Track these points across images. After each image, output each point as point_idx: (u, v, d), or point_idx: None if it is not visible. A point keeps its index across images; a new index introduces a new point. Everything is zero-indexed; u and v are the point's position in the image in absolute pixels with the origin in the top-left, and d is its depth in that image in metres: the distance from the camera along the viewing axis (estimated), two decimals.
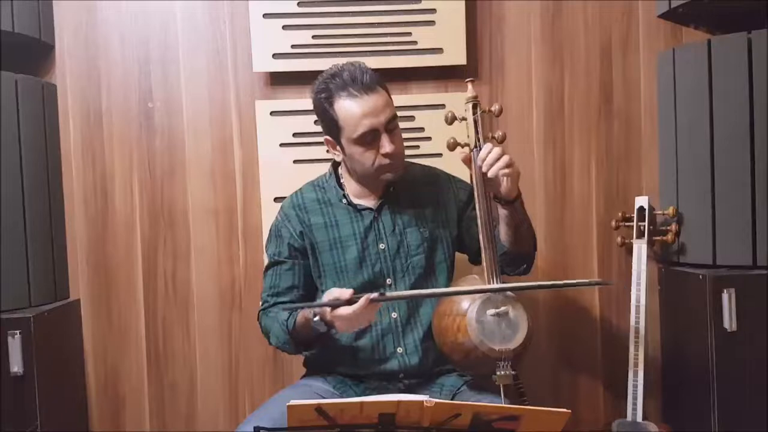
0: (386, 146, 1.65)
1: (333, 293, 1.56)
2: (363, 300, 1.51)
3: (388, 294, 1.61)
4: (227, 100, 2.24)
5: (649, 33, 2.26)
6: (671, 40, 2.25)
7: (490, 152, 1.58)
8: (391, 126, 1.67)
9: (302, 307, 1.66)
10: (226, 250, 2.25)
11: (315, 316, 1.58)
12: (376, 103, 1.64)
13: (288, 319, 1.68)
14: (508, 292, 1.58)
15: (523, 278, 1.81)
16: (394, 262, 1.75)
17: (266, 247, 1.85)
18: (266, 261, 1.84)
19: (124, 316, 2.25)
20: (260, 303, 1.81)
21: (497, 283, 1.59)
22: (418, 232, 1.76)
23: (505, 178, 1.57)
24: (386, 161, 1.67)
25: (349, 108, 1.65)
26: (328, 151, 1.78)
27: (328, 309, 1.55)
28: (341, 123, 1.67)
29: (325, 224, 1.77)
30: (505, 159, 1.57)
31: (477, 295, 1.57)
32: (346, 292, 1.53)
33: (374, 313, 1.57)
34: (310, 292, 1.79)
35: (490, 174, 1.57)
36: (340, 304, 1.53)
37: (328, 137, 1.74)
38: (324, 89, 1.68)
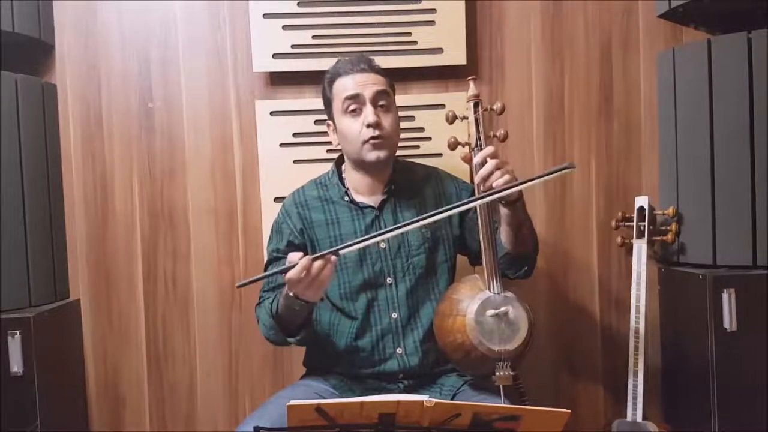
0: (369, 116, 1.68)
1: (288, 258, 1.53)
2: (302, 261, 1.48)
3: (338, 248, 1.53)
4: (227, 100, 2.24)
5: (649, 33, 2.26)
6: (671, 40, 2.25)
7: (484, 163, 1.57)
8: (380, 102, 1.71)
9: (257, 279, 1.58)
10: (226, 250, 2.25)
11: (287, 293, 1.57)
12: (366, 78, 1.72)
13: (272, 303, 1.68)
14: (508, 294, 1.58)
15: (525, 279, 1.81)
16: (395, 261, 1.75)
17: (267, 243, 1.85)
18: (266, 258, 1.85)
19: (124, 316, 2.25)
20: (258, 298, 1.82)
21: (498, 285, 1.58)
22: (419, 231, 1.76)
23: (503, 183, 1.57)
24: (370, 132, 1.68)
25: (342, 82, 1.73)
26: (329, 148, 1.79)
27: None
28: (333, 96, 1.74)
29: (326, 221, 1.77)
30: (497, 174, 1.55)
31: (477, 296, 1.57)
32: (296, 256, 1.51)
33: (330, 273, 1.52)
34: None
35: (487, 185, 1.57)
36: (289, 268, 1.50)
37: (328, 121, 1.80)
38: (330, 71, 1.77)
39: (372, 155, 1.70)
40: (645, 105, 2.27)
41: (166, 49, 2.23)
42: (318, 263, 1.50)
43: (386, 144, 1.71)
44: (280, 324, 1.67)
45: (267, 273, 1.69)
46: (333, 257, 1.52)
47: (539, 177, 1.55)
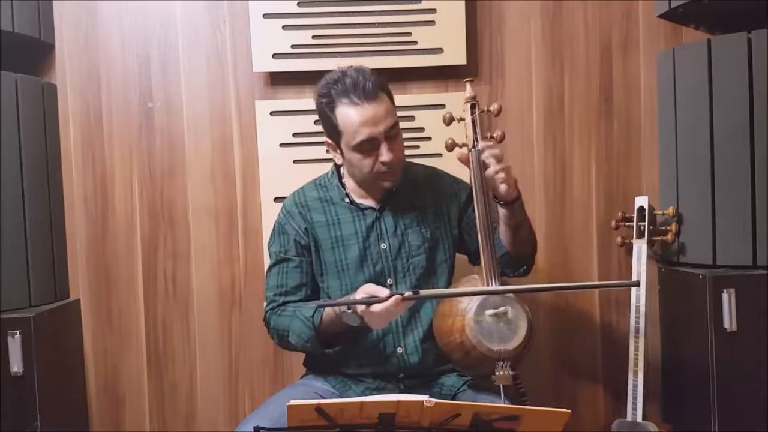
0: (385, 155, 1.65)
1: (368, 290, 1.56)
2: (393, 299, 1.51)
3: (422, 292, 1.60)
4: (227, 100, 2.24)
5: (649, 33, 2.26)
6: (671, 40, 2.25)
7: (481, 164, 1.59)
8: (391, 133, 1.66)
9: (336, 304, 1.61)
10: (226, 250, 2.25)
11: (349, 309, 1.56)
12: (376, 112, 1.63)
13: (314, 315, 1.66)
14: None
15: (525, 280, 1.80)
16: (395, 261, 1.75)
17: (269, 244, 1.83)
18: (267, 259, 1.84)
19: (124, 316, 2.25)
20: (266, 303, 1.79)
21: (496, 283, 1.58)
22: (419, 232, 1.76)
23: (501, 182, 1.57)
24: (384, 169, 1.67)
25: (349, 116, 1.64)
26: (327, 151, 1.78)
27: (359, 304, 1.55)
28: (341, 128, 1.66)
29: (327, 222, 1.77)
30: (497, 166, 1.57)
31: (476, 296, 1.57)
32: (382, 291, 1.53)
33: (404, 309, 1.58)
34: (315, 289, 1.79)
35: (487, 170, 1.58)
36: (375, 301, 1.52)
37: (328, 140, 1.74)
38: (326, 94, 1.67)
39: (386, 184, 1.71)
40: (645, 105, 2.27)
41: (166, 49, 2.23)
42: (403, 302, 1.53)
43: (398, 171, 1.71)
44: (320, 336, 1.67)
45: (348, 300, 1.60)
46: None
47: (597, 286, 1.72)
